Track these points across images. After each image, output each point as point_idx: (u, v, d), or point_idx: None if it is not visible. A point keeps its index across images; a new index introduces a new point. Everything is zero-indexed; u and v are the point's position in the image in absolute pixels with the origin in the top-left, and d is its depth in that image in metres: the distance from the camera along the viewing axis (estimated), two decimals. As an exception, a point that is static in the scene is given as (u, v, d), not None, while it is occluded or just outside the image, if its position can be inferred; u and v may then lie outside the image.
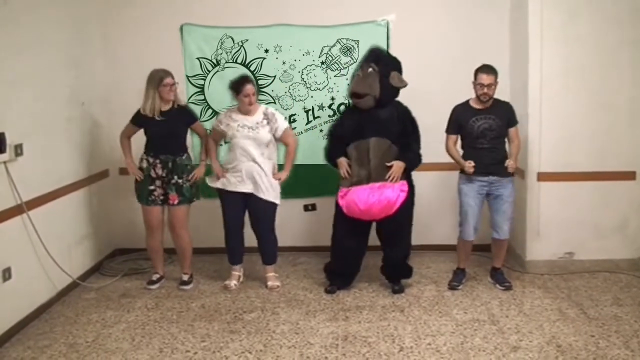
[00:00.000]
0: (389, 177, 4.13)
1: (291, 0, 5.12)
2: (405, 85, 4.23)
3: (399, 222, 4.26)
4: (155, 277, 4.62)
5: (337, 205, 4.32)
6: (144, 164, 4.41)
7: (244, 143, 4.31)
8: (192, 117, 4.51)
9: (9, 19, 3.80)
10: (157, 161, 4.37)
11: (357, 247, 4.39)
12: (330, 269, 4.52)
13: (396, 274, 4.47)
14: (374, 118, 4.17)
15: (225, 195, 4.44)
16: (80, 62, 4.77)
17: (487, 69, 4.20)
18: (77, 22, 4.78)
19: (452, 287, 4.44)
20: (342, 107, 5.10)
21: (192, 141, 5.11)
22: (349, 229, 4.29)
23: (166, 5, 5.14)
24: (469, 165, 4.20)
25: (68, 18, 4.63)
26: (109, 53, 5.17)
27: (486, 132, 4.24)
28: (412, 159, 4.25)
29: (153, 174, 4.38)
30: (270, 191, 4.38)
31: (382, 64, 4.20)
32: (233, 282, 4.57)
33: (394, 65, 4.27)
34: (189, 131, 4.56)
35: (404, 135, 4.22)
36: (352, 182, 4.20)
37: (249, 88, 4.28)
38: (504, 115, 4.28)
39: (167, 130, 4.34)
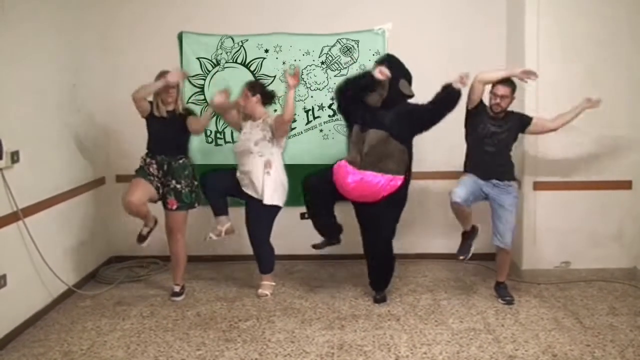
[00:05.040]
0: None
1: (289, 8, 5.14)
2: (411, 95, 4.25)
3: (378, 210, 4.22)
4: (145, 230, 4.47)
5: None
6: (141, 162, 4.41)
7: (237, 147, 4.45)
8: (189, 114, 4.44)
9: (6, 26, 3.81)
10: (153, 161, 4.37)
11: (328, 191, 4.32)
12: (310, 214, 4.49)
13: (376, 276, 4.43)
14: (377, 117, 4.18)
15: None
16: (78, 70, 4.78)
17: (505, 80, 4.18)
18: (75, 30, 4.79)
19: (462, 255, 4.34)
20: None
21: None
22: (327, 180, 4.28)
23: (165, 14, 5.16)
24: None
25: (66, 26, 4.64)
26: (106, 61, 5.18)
27: (495, 134, 4.21)
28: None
29: (148, 173, 4.37)
30: (266, 193, 4.38)
31: (394, 69, 4.24)
32: (217, 231, 4.55)
33: (404, 73, 4.30)
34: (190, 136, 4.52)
35: (426, 107, 4.21)
36: (348, 160, 4.22)
37: (245, 90, 4.44)
38: (515, 123, 4.25)
39: (165, 130, 4.35)
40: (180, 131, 4.40)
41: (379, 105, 4.21)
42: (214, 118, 5.22)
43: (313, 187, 4.38)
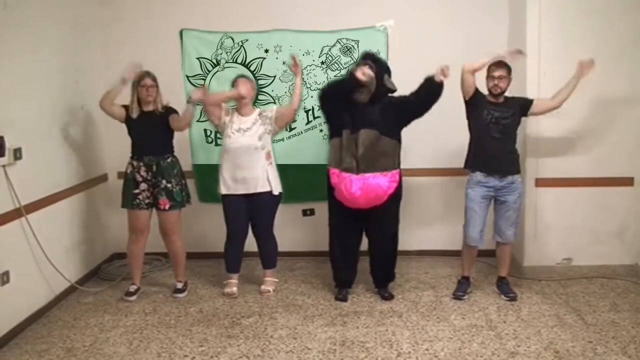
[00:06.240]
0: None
1: (290, 5, 5.13)
2: (395, 89, 4.24)
3: (384, 212, 4.23)
4: (133, 288, 4.49)
5: (329, 187, 4.29)
6: (129, 169, 4.39)
7: (237, 146, 4.34)
8: (169, 113, 4.37)
9: (8, 23, 3.82)
10: (141, 164, 4.34)
11: (354, 233, 4.36)
12: (333, 265, 4.48)
13: (382, 272, 4.44)
14: (365, 114, 4.15)
15: (227, 201, 4.43)
16: (80, 67, 4.78)
17: (499, 62, 4.21)
18: (77, 27, 4.80)
19: (456, 297, 4.38)
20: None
21: (190, 137, 5.18)
22: (344, 214, 4.27)
23: (166, 11, 5.16)
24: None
25: (68, 23, 4.65)
26: (108, 58, 5.16)
27: (499, 119, 4.19)
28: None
29: (138, 178, 4.34)
30: (274, 183, 4.40)
31: (378, 64, 4.25)
32: (231, 290, 4.54)
33: (387, 69, 4.31)
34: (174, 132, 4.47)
35: (409, 100, 4.20)
36: (343, 168, 4.16)
37: (240, 81, 4.42)
38: (517, 106, 4.25)
39: (147, 130, 4.32)
40: (163, 130, 4.36)
41: (367, 102, 4.18)
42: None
43: (341, 234, 4.36)
